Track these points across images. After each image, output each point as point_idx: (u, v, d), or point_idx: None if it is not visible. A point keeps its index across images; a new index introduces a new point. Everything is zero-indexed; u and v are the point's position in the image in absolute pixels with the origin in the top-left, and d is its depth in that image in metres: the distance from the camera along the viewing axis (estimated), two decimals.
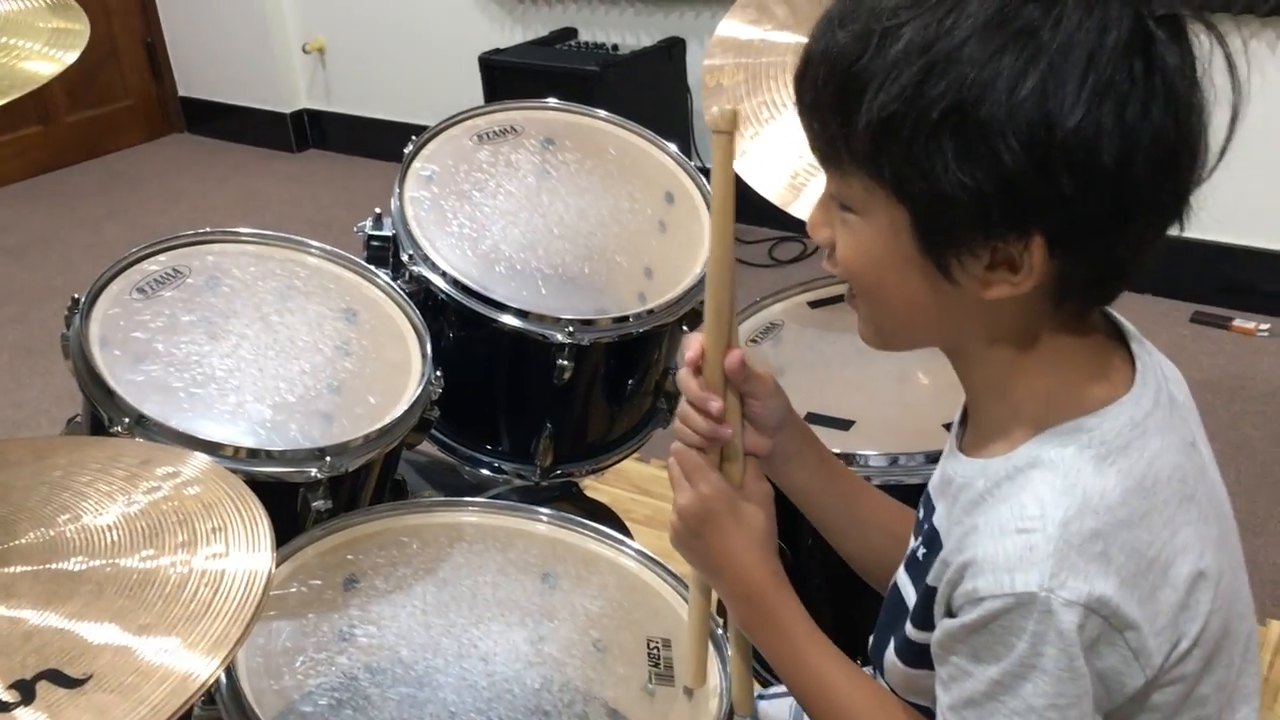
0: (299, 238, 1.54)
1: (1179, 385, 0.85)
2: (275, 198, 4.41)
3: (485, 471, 1.64)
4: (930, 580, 0.81)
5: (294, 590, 1.16)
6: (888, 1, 0.72)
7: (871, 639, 0.96)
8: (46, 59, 1.10)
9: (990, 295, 0.75)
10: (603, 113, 1.76)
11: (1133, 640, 0.73)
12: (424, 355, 1.44)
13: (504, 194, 1.62)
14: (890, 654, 0.89)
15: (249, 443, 1.26)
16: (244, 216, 4.09)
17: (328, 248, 1.54)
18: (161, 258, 1.43)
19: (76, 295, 1.33)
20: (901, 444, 1.29)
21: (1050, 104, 0.68)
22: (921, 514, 0.91)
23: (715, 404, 0.91)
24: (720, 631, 1.10)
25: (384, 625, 1.14)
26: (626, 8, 3.81)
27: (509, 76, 3.60)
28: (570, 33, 3.86)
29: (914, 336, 0.85)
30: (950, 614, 0.77)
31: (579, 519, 1.30)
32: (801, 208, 1.47)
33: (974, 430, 0.86)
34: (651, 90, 3.56)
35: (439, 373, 1.44)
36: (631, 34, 3.82)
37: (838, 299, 1.59)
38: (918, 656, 0.84)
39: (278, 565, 1.14)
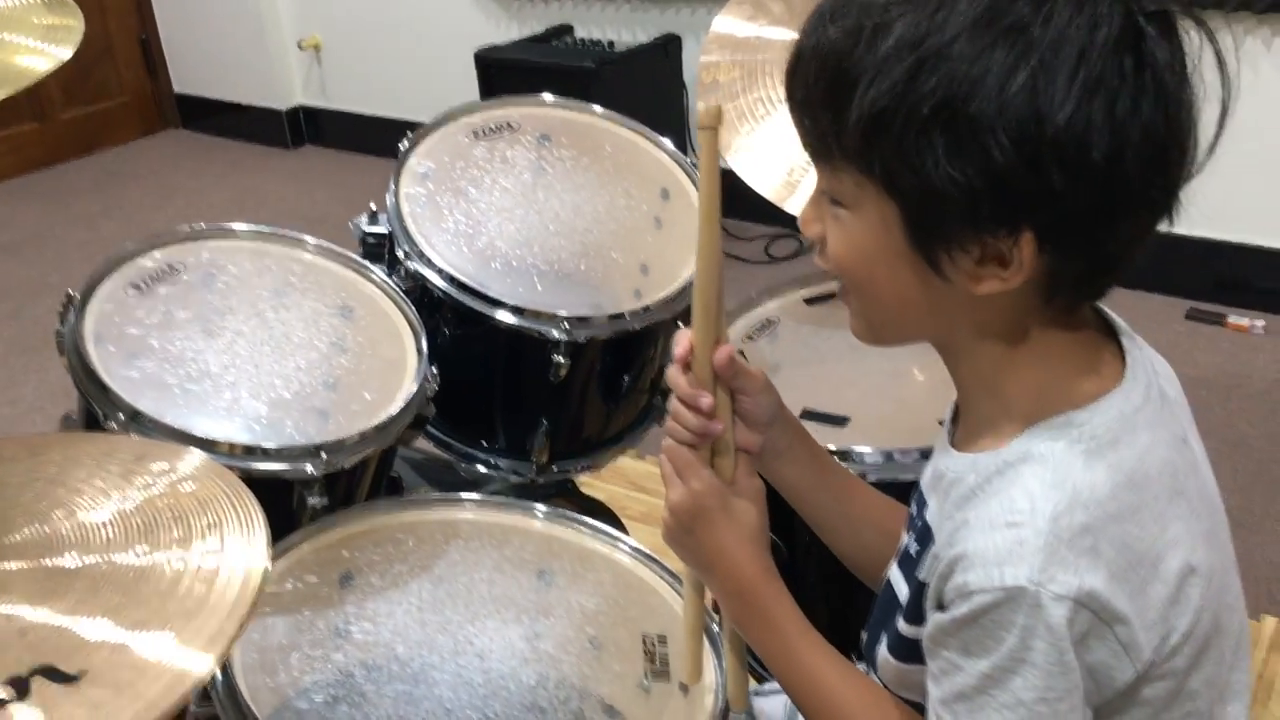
0: (295, 234, 1.54)
1: (1170, 380, 0.85)
2: (271, 194, 4.40)
3: (481, 468, 1.64)
4: (922, 575, 0.81)
5: (289, 587, 1.16)
6: None
7: (864, 635, 0.96)
8: (41, 55, 1.10)
9: (980, 290, 0.75)
10: (599, 109, 1.75)
11: (1122, 634, 0.73)
12: (420, 352, 1.44)
13: (500, 190, 1.61)
14: (883, 650, 0.89)
15: (244, 439, 1.26)
16: (240, 213, 4.08)
17: (323, 244, 1.53)
18: (157, 254, 1.43)
19: (71, 291, 1.33)
20: (897, 440, 1.29)
21: (1040, 100, 0.68)
22: (914, 510, 0.91)
23: (706, 400, 0.91)
24: (716, 628, 1.10)
25: (380, 622, 1.14)
26: (623, 4, 3.80)
27: (505, 73, 3.59)
28: (566, 29, 3.86)
29: (905, 332, 0.85)
30: (941, 608, 0.78)
31: (575, 515, 1.30)
32: (797, 204, 1.46)
33: (965, 425, 0.86)
34: (648, 87, 3.56)
35: (435, 369, 1.44)
36: (628, 31, 3.81)
37: (834, 296, 1.59)
38: (910, 652, 0.84)
39: (273, 562, 1.14)
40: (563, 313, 1.48)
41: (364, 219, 1.62)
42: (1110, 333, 0.83)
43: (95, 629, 0.78)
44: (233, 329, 1.39)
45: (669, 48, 3.64)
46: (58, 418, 1.41)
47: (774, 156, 1.52)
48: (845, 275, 0.82)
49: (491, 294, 1.48)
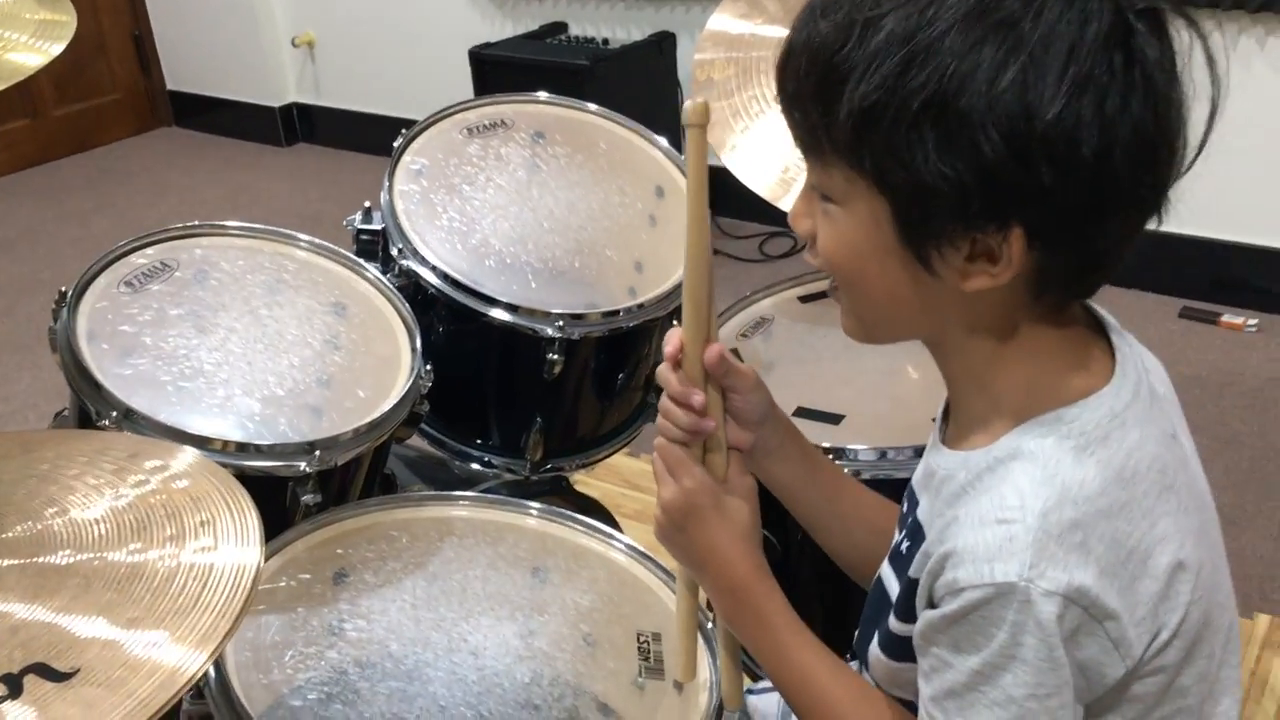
0: (288, 231, 1.53)
1: (1160, 377, 0.86)
2: (264, 192, 4.40)
3: (475, 466, 1.64)
4: (912, 573, 0.81)
5: (283, 584, 1.15)
6: None
7: (856, 633, 0.96)
8: (33, 51, 1.10)
9: (970, 286, 0.75)
10: (593, 106, 1.75)
11: (1112, 630, 0.73)
12: (413, 349, 1.44)
13: (494, 188, 1.61)
14: (874, 648, 0.89)
15: (238, 436, 1.26)
16: (233, 210, 4.08)
17: (317, 241, 1.53)
18: (150, 251, 1.42)
19: (64, 289, 1.32)
20: (891, 438, 1.29)
21: (1030, 95, 0.68)
22: (905, 507, 0.91)
23: (697, 397, 0.92)
24: (710, 626, 1.10)
25: (373, 619, 1.14)
26: (617, 2, 3.80)
27: (499, 71, 3.59)
28: (560, 27, 3.86)
29: (895, 328, 0.85)
30: (932, 605, 0.78)
31: (569, 513, 1.30)
32: (791, 203, 1.47)
33: (956, 423, 0.86)
34: (642, 84, 3.56)
35: (429, 367, 1.43)
36: (622, 28, 3.81)
37: (828, 294, 1.59)
38: (901, 650, 0.84)
39: (266, 559, 1.14)
40: (557, 310, 1.48)
41: (358, 216, 1.62)
42: (1100, 330, 0.83)
43: (88, 626, 0.78)
44: (226, 326, 1.38)
45: (663, 45, 3.64)
46: (50, 415, 1.41)
47: (769, 154, 1.52)
48: (835, 271, 0.82)
49: (485, 291, 1.48)
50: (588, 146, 1.69)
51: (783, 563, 1.08)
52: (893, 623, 0.85)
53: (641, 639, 1.15)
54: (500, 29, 4.06)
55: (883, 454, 1.28)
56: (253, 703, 1.01)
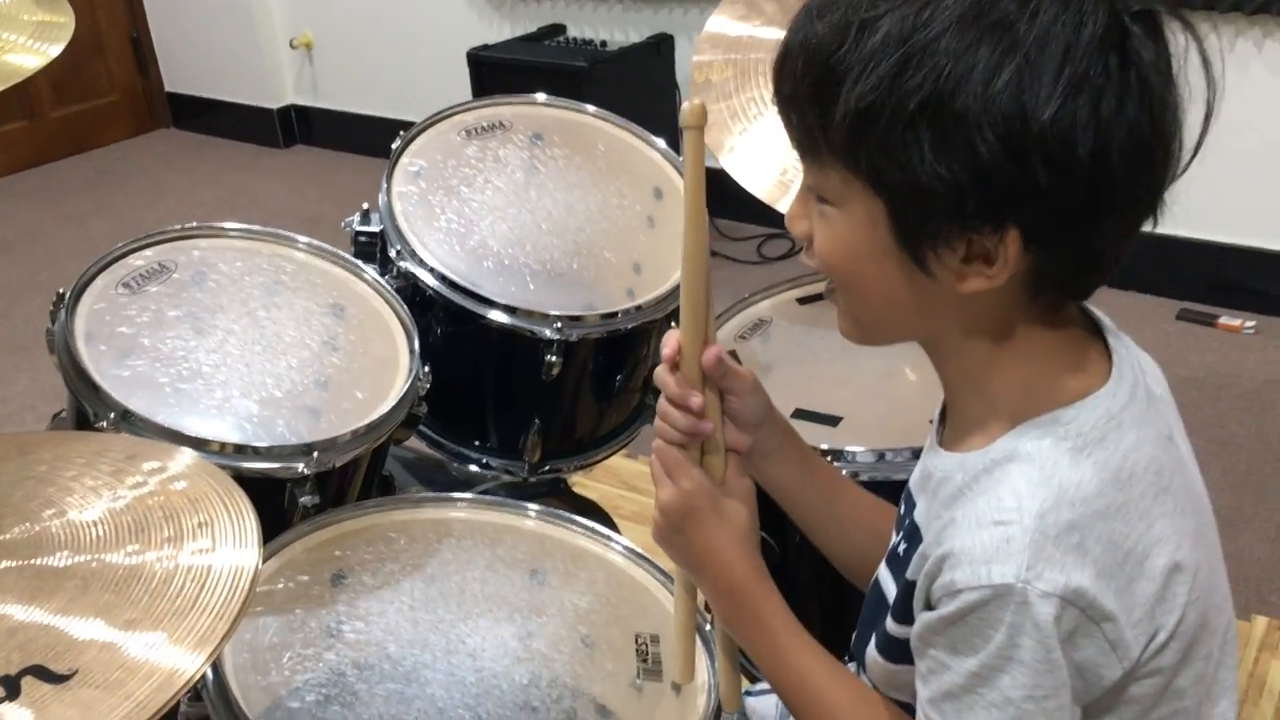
0: (286, 233, 1.53)
1: (1156, 379, 0.86)
2: (262, 193, 4.40)
3: (473, 467, 1.64)
4: (910, 575, 0.81)
5: (281, 586, 1.15)
6: None
7: (854, 635, 0.96)
8: (31, 52, 1.10)
9: (966, 288, 0.75)
10: (591, 108, 1.75)
11: (1110, 632, 0.73)
12: (412, 351, 1.44)
13: (492, 189, 1.61)
14: (871, 650, 0.89)
15: (235, 438, 1.26)
16: (231, 212, 4.07)
17: (315, 243, 1.53)
18: (148, 253, 1.42)
19: (62, 290, 1.32)
20: (889, 440, 1.29)
21: (1025, 97, 0.68)
22: (902, 509, 0.91)
23: (695, 399, 0.92)
24: (708, 627, 1.10)
25: (372, 621, 1.13)
26: (615, 4, 3.80)
27: (497, 72, 3.59)
28: (559, 29, 3.86)
29: (892, 330, 0.85)
30: (929, 607, 0.78)
31: (567, 515, 1.30)
32: (789, 204, 1.47)
33: (953, 425, 0.86)
34: (640, 86, 3.56)
35: (427, 368, 1.43)
36: (620, 30, 3.81)
37: (825, 296, 1.59)
38: (898, 652, 0.84)
39: (264, 561, 1.14)
40: (555, 312, 1.48)
41: (356, 218, 1.62)
42: (1097, 331, 0.83)
43: (86, 628, 0.78)
44: (224, 328, 1.38)
45: (661, 47, 3.64)
46: (48, 417, 1.41)
47: (767, 156, 1.52)
48: (832, 273, 0.82)
49: (484, 293, 1.48)
50: (586, 148, 1.69)
51: (781, 564, 1.07)
52: (890, 625, 0.85)
53: (640, 641, 1.15)
54: (498, 31, 4.06)
55: (880, 455, 1.28)
56: (250, 704, 1.01)
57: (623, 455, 1.77)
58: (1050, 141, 0.69)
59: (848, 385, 1.45)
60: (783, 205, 1.48)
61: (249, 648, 1.08)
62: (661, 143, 1.72)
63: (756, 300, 1.61)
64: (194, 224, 1.49)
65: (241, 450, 1.24)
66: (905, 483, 0.92)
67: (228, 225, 1.51)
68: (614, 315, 1.53)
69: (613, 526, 1.59)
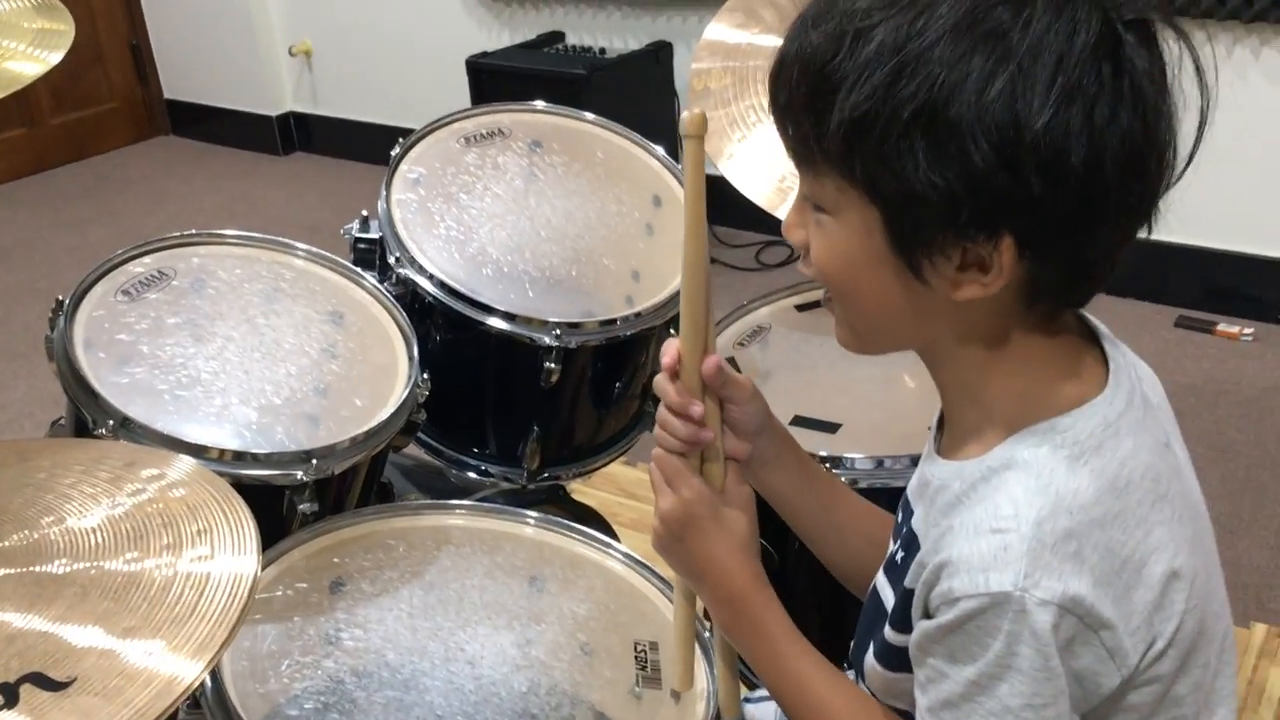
0: (285, 240, 1.53)
1: (1153, 387, 0.86)
2: (261, 200, 4.40)
3: (472, 474, 1.64)
4: (908, 583, 0.81)
5: (280, 593, 1.15)
6: (861, 3, 0.73)
7: (852, 643, 0.96)
8: (31, 60, 1.10)
9: (961, 296, 0.75)
10: (590, 115, 1.76)
11: (1108, 639, 0.73)
12: (411, 358, 1.44)
13: (491, 196, 1.62)
14: (870, 658, 0.89)
15: (234, 445, 1.26)
16: (230, 219, 4.08)
17: (314, 250, 1.53)
18: (147, 260, 1.42)
19: (61, 297, 1.32)
20: (888, 447, 1.29)
21: (1019, 105, 0.69)
22: (900, 517, 0.91)
23: (696, 408, 0.92)
24: (707, 635, 1.10)
25: (370, 629, 1.13)
26: (614, 11, 3.81)
27: (496, 80, 3.59)
28: (557, 36, 3.87)
29: (889, 339, 0.85)
30: (927, 615, 0.78)
31: (566, 522, 1.30)
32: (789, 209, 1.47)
33: (950, 433, 0.87)
34: (639, 94, 3.57)
35: (426, 375, 1.43)
36: (619, 38, 3.82)
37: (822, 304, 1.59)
38: (897, 660, 0.84)
39: (263, 568, 1.14)
40: (554, 319, 1.48)
41: (355, 225, 1.62)
42: (1093, 339, 0.84)
43: (84, 636, 0.78)
44: (223, 335, 1.38)
45: (660, 54, 3.64)
46: (47, 424, 1.41)
47: (765, 163, 1.52)
48: (829, 281, 0.82)
49: (483, 300, 1.48)
50: (585, 155, 1.70)
51: (779, 572, 1.07)
52: (888, 633, 0.85)
53: (639, 648, 1.15)
54: (498, 38, 4.06)
55: (879, 462, 1.28)
56: (249, 712, 1.01)
57: (621, 462, 1.77)
58: (1043, 150, 0.69)
59: (846, 392, 1.45)
60: (781, 212, 1.48)
61: (248, 655, 1.08)
62: (660, 150, 1.72)
63: (755, 307, 1.61)
64: (193, 231, 1.49)
65: (240, 457, 1.24)
66: (904, 490, 0.92)
67: (227, 232, 1.51)
68: (613, 322, 1.53)
69: (611, 534, 1.59)
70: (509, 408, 1.61)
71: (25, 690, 0.73)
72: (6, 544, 0.86)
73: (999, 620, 0.72)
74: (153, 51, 4.98)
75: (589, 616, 1.18)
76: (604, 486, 2.36)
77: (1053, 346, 0.80)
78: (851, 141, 0.73)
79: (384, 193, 1.57)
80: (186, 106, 5.02)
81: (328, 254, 1.54)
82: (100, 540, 0.87)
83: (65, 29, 1.15)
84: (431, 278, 1.49)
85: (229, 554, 0.85)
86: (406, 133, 1.65)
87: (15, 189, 4.56)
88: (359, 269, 1.53)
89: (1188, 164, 0.75)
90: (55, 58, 1.10)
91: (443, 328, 1.54)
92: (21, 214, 4.32)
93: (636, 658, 1.14)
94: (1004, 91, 0.69)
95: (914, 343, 0.85)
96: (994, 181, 0.70)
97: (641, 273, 1.60)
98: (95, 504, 0.90)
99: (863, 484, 1.26)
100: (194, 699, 1.01)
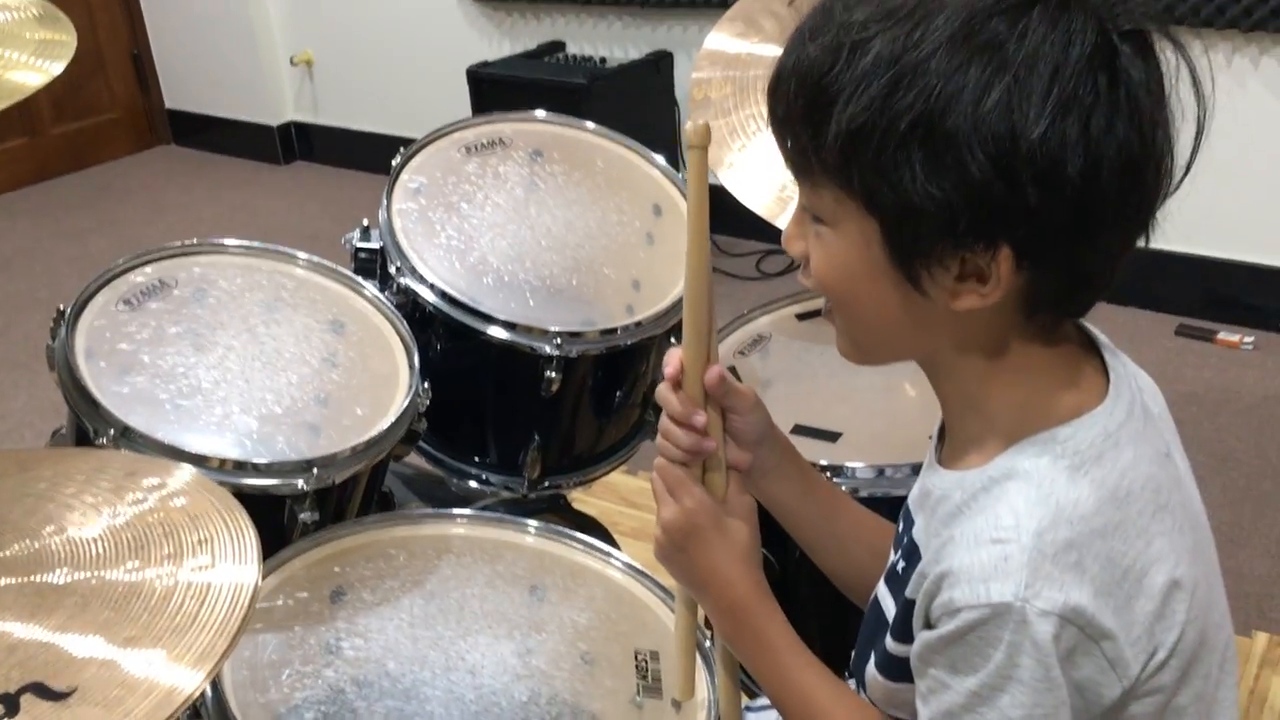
0: (286, 249, 1.54)
1: (1153, 396, 0.86)
2: (262, 210, 4.40)
3: (473, 483, 1.64)
4: (909, 593, 0.81)
5: (280, 603, 1.15)
6: (858, 15, 0.73)
7: (854, 653, 0.96)
8: (33, 70, 1.10)
9: (960, 306, 0.75)
10: (591, 125, 1.76)
11: (1109, 650, 0.73)
12: (411, 367, 1.44)
13: (492, 206, 1.62)
14: (871, 668, 0.89)
15: (235, 455, 1.26)
16: (231, 228, 4.08)
17: (315, 259, 1.53)
18: (148, 269, 1.43)
19: (62, 307, 1.32)
20: (888, 456, 1.29)
21: (1015, 116, 0.69)
22: (901, 527, 0.91)
23: (699, 418, 0.92)
24: (708, 644, 1.10)
25: (371, 638, 1.13)
26: (614, 21, 3.82)
27: (497, 89, 3.60)
28: (558, 46, 3.87)
29: (889, 350, 0.85)
30: (928, 626, 0.78)
31: (567, 531, 1.30)
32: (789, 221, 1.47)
33: (950, 443, 0.87)
34: (639, 103, 3.57)
35: (426, 384, 1.43)
36: (619, 47, 3.83)
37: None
38: (898, 670, 0.84)
39: (264, 577, 1.14)
40: (554, 328, 1.48)
41: (356, 234, 1.62)
42: (1093, 348, 0.84)
43: (85, 646, 0.78)
44: (224, 344, 1.38)
45: (660, 64, 3.65)
46: (48, 433, 1.41)
47: (766, 172, 1.52)
48: (828, 292, 0.82)
49: (483, 309, 1.48)
50: (585, 165, 1.70)
51: (781, 581, 1.07)
52: (889, 643, 0.85)
53: (639, 657, 1.15)
54: (498, 48, 4.07)
55: (880, 471, 1.28)
56: None
57: (622, 471, 1.77)
58: (1040, 161, 0.69)
59: (847, 401, 1.45)
60: (781, 221, 1.48)
61: (248, 665, 1.08)
62: (661, 159, 1.72)
63: (756, 316, 1.61)
64: (194, 240, 1.49)
65: (241, 467, 1.24)
66: (905, 499, 0.92)
67: (228, 242, 1.51)
68: (613, 331, 1.53)
69: (612, 543, 1.59)
70: (510, 417, 1.61)
71: (26, 700, 0.73)
72: (8, 554, 0.86)
73: (1000, 631, 0.72)
74: (154, 61, 4.99)
75: (590, 626, 1.18)
76: (605, 495, 2.36)
77: (1052, 356, 0.80)
78: (849, 153, 0.73)
79: (385, 202, 1.57)
80: (188, 116, 5.02)
81: (329, 263, 1.54)
82: (101, 550, 0.87)
83: (67, 39, 1.15)
84: (432, 287, 1.49)
85: (230, 563, 0.85)
86: (407, 142, 1.65)
87: (16, 199, 4.56)
88: (360, 278, 1.54)
89: (1185, 173, 0.75)
90: (57, 68, 1.11)
91: (443, 337, 1.54)
92: (22, 223, 4.33)
93: (637, 667, 1.14)
94: (1000, 102, 0.69)
95: (914, 353, 0.85)
96: (991, 192, 0.70)
97: (642, 282, 1.60)
98: (96, 513, 0.91)
99: (863, 493, 1.26)
100: (194, 709, 1.01)
